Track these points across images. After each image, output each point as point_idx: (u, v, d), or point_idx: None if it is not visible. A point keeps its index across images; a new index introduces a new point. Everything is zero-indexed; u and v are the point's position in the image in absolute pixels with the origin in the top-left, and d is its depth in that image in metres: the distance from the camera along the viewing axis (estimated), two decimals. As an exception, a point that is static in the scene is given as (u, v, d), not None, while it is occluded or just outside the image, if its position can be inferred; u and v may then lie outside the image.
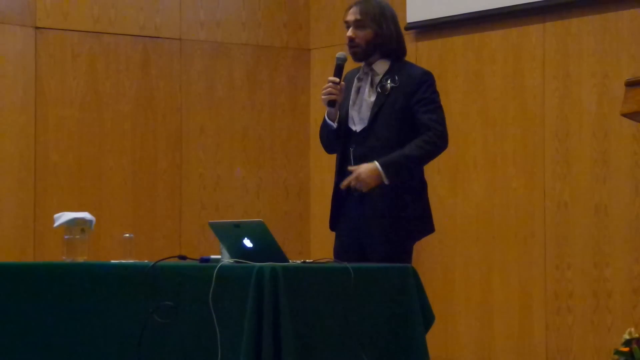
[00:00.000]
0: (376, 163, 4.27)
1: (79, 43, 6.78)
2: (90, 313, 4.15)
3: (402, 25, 6.68)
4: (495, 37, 6.40)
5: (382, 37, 4.45)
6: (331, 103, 4.42)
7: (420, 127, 4.37)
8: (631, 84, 3.67)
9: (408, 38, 6.79)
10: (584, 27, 6.01)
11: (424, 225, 4.49)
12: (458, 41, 6.59)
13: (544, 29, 6.18)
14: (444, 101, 6.54)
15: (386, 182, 4.28)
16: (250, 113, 7.22)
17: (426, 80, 4.46)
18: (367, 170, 4.28)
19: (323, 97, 4.43)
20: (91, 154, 6.77)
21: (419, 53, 6.77)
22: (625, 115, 3.75)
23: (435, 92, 4.46)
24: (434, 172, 6.58)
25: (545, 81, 6.16)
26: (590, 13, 5.98)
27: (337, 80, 4.40)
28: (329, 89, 4.40)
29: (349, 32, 4.45)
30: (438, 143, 4.38)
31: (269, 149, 7.26)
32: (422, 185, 4.52)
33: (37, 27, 6.67)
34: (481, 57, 6.47)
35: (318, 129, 4.63)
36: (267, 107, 7.28)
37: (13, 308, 4.36)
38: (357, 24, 4.45)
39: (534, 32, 6.22)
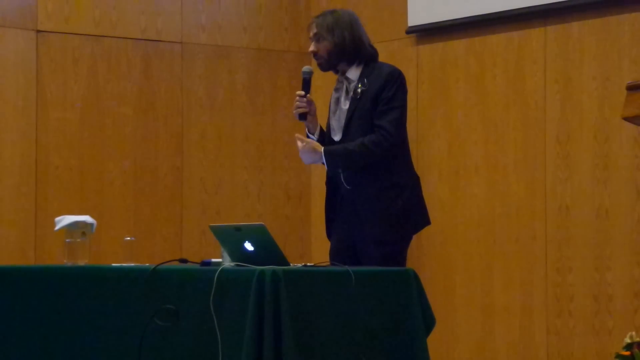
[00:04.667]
0: (322, 149, 4.48)
1: (80, 46, 6.78)
2: (91, 316, 4.14)
3: (403, 29, 6.80)
4: (496, 41, 6.40)
5: (338, 46, 4.58)
6: (302, 116, 4.60)
7: (374, 126, 4.49)
8: (632, 88, 3.67)
9: (409, 42, 6.81)
10: (585, 30, 6.01)
11: (415, 219, 4.56)
12: (459, 45, 6.59)
13: (545, 33, 6.18)
14: (445, 104, 6.62)
15: (326, 167, 4.51)
16: (252, 116, 7.23)
17: (390, 79, 4.56)
18: (311, 148, 4.48)
19: (294, 111, 4.61)
20: (92, 157, 6.77)
21: (420, 57, 6.77)
22: (626, 118, 3.76)
23: (398, 91, 4.55)
24: (434, 174, 6.58)
25: (546, 85, 6.16)
26: (592, 17, 5.98)
27: (303, 93, 4.57)
28: (297, 102, 4.58)
29: (311, 47, 4.65)
30: (383, 144, 4.47)
31: (270, 152, 7.26)
32: (412, 180, 4.59)
33: (38, 31, 6.67)
34: (482, 61, 6.47)
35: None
36: (268, 110, 7.28)
37: (14, 311, 4.36)
38: (316, 38, 4.63)
39: (535, 36, 6.22)
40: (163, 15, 7.02)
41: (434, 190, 6.50)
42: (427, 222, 4.63)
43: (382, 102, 4.49)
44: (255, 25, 7.29)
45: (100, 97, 6.81)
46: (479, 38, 6.49)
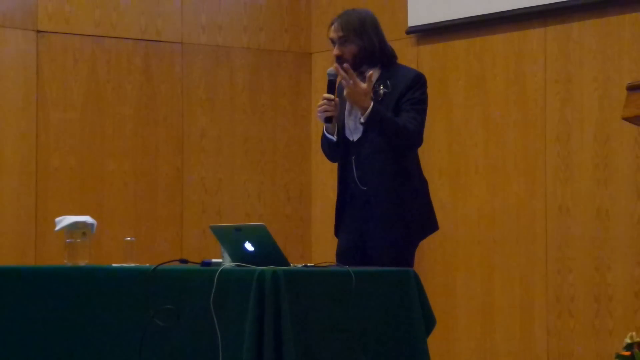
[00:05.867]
0: (372, 103, 4.35)
1: (80, 47, 6.78)
2: (91, 317, 4.14)
3: (403, 29, 6.80)
4: (496, 41, 6.41)
5: (366, 50, 4.50)
6: (328, 119, 4.48)
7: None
8: (632, 88, 3.68)
9: (409, 42, 6.81)
10: (585, 30, 6.01)
11: (427, 223, 4.55)
12: (459, 45, 6.59)
13: (546, 33, 6.18)
14: (445, 105, 6.62)
15: (362, 120, 4.37)
16: (252, 117, 7.23)
17: (417, 82, 4.51)
18: (363, 96, 4.35)
19: (319, 114, 4.48)
20: (92, 157, 6.77)
21: (420, 57, 6.77)
22: (626, 119, 3.76)
23: (424, 94, 4.52)
24: (435, 175, 6.58)
25: (546, 85, 6.16)
26: (592, 17, 5.98)
27: (332, 97, 4.44)
28: (324, 106, 4.44)
29: (335, 50, 4.53)
30: (415, 137, 4.45)
31: (270, 152, 7.27)
32: (422, 184, 4.57)
33: (38, 31, 6.67)
34: (483, 61, 6.47)
35: (319, 132, 4.70)
36: (269, 110, 7.28)
37: (14, 312, 4.36)
38: (341, 40, 4.51)
39: (536, 36, 6.22)
40: (163, 15, 7.03)
41: (434, 191, 6.47)
42: (435, 227, 4.61)
43: (410, 101, 4.44)
44: (255, 26, 7.29)
45: (100, 97, 6.81)
46: (479, 38, 6.49)
